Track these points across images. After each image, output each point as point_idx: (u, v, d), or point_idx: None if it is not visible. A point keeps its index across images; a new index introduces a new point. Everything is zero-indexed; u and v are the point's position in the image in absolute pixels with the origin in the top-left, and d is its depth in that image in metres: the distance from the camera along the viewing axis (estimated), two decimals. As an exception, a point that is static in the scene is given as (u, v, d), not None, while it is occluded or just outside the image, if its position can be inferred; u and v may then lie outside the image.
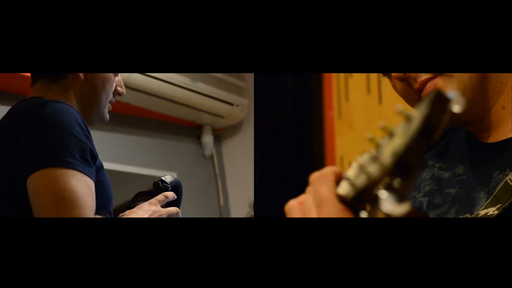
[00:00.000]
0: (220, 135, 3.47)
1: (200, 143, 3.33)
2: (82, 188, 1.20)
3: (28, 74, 2.24)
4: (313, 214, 0.78)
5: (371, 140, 0.68)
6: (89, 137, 1.30)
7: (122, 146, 2.95)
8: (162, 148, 3.16)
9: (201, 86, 3.03)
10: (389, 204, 0.64)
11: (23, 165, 1.23)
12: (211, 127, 3.32)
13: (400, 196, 0.64)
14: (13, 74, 2.29)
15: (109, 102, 1.49)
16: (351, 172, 0.72)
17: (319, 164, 2.56)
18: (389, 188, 0.65)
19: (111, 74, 1.46)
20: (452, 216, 1.12)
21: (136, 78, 2.72)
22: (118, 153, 2.91)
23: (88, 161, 1.26)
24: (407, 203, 0.64)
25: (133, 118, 3.00)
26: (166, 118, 3.13)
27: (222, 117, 3.23)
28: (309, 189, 0.79)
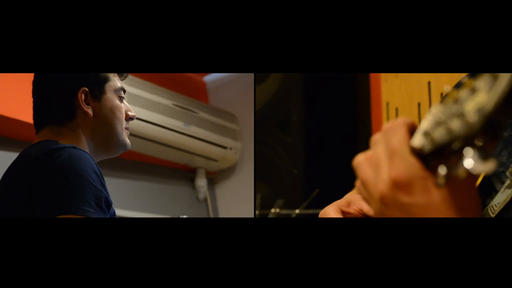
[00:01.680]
0: (213, 178, 3.47)
1: (193, 186, 3.32)
2: None
3: (25, 120, 2.26)
4: (384, 168, 0.72)
5: (450, 94, 0.66)
6: (104, 185, 1.30)
7: (115, 190, 2.92)
8: (155, 192, 3.15)
9: (194, 130, 3.05)
10: (474, 162, 0.63)
11: (39, 211, 1.21)
12: (204, 170, 3.31)
13: (485, 154, 0.62)
14: (9, 120, 2.30)
15: (125, 128, 1.48)
16: (426, 124, 0.69)
17: (365, 109, 2.54)
18: (473, 145, 0.63)
19: (118, 101, 1.46)
20: (504, 159, 1.09)
21: (129, 122, 2.73)
22: (111, 198, 2.88)
23: (103, 209, 1.26)
24: (492, 161, 0.62)
25: (126, 162, 3.00)
26: (159, 161, 3.13)
27: (215, 160, 3.23)
28: (379, 140, 0.75)
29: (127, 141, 1.47)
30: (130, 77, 2.77)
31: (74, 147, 1.31)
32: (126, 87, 2.72)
